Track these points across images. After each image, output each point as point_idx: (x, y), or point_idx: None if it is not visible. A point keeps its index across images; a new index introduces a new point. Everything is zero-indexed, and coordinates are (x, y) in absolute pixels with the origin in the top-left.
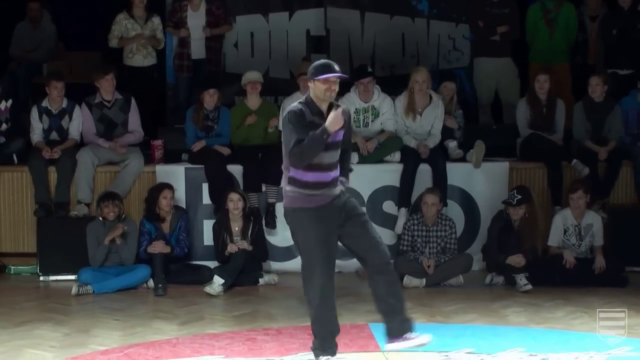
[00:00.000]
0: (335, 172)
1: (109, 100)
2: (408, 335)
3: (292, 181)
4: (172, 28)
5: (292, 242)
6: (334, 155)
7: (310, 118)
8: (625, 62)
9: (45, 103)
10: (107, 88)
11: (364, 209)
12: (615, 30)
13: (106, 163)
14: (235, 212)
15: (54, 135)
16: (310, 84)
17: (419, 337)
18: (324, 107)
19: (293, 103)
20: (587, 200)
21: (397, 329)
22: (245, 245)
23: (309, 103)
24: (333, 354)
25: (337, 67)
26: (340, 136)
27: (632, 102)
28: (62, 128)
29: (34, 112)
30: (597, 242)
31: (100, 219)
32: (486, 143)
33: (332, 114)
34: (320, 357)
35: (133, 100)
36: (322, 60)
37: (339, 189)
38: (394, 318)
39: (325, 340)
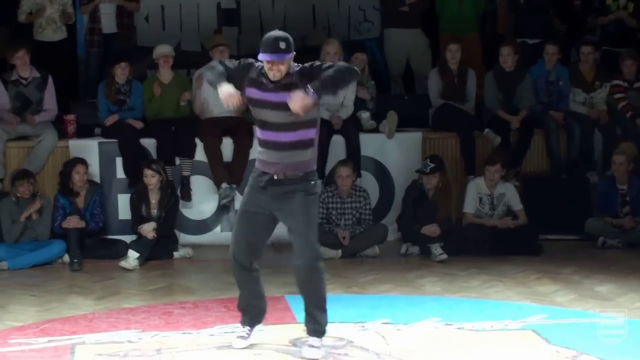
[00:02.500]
0: (294, 134)
1: (26, 78)
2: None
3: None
4: (85, 5)
5: (206, 216)
6: (282, 116)
7: (253, 75)
8: (534, 31)
9: None
10: (20, 65)
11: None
12: None
13: (18, 138)
14: (150, 187)
15: None
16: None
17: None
18: (271, 75)
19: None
20: (502, 173)
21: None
22: (152, 229)
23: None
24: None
25: (281, 45)
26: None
27: (541, 71)
28: None
29: None
30: (515, 206)
31: (14, 197)
32: (399, 113)
33: (227, 94)
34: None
35: (50, 79)
36: (270, 34)
37: (288, 169)
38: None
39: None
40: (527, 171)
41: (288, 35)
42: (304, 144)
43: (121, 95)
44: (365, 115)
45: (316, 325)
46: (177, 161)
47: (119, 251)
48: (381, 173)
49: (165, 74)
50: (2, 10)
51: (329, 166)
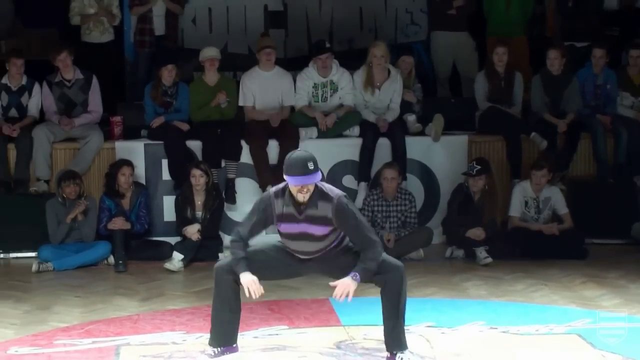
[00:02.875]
0: (320, 246)
1: (70, 80)
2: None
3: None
4: (137, 7)
5: None
6: (307, 245)
7: (280, 210)
8: (582, 34)
9: (4, 80)
10: (63, 68)
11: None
12: (571, 2)
13: (64, 139)
14: (197, 187)
15: (12, 113)
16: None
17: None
18: (301, 197)
19: (268, 192)
20: (548, 178)
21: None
22: (196, 231)
23: (286, 193)
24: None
25: (309, 166)
26: (320, 231)
27: (588, 74)
28: (21, 105)
29: None
30: (561, 210)
31: (60, 198)
32: (445, 116)
33: (249, 285)
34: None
35: (94, 80)
36: (295, 156)
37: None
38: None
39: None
40: (574, 175)
41: (311, 154)
42: (334, 247)
43: (167, 97)
44: (411, 118)
45: (404, 337)
46: (223, 163)
47: (164, 253)
48: (427, 176)
49: (211, 77)
50: (51, 12)
51: (374, 169)
